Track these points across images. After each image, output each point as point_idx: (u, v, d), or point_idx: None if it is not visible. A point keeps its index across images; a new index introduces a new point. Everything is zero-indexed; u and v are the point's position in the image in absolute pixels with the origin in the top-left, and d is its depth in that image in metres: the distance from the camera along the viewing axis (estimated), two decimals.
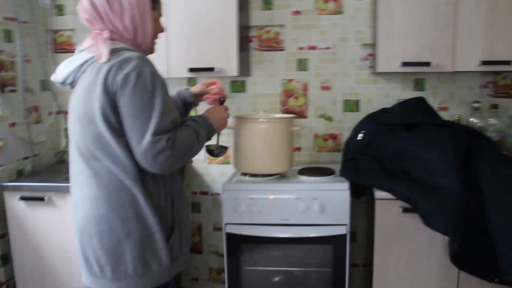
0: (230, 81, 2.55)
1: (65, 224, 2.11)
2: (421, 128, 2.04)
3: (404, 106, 2.22)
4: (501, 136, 2.22)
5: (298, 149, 2.55)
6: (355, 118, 2.39)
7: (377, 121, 2.19)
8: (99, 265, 1.33)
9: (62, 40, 2.66)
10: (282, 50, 2.50)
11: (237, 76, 2.25)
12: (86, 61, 1.35)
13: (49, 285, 2.20)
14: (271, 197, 2.01)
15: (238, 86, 2.55)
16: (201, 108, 2.08)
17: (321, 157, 2.54)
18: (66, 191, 2.06)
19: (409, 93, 2.40)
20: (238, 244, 2.06)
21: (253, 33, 2.51)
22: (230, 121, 1.74)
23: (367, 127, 2.21)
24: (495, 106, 2.26)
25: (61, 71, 1.40)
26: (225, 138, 2.28)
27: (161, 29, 1.48)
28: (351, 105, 2.48)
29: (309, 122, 2.52)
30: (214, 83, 1.72)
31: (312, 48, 2.47)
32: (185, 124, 1.40)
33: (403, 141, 2.02)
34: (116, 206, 1.30)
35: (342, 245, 1.99)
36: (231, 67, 2.19)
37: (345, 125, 2.49)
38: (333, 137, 2.52)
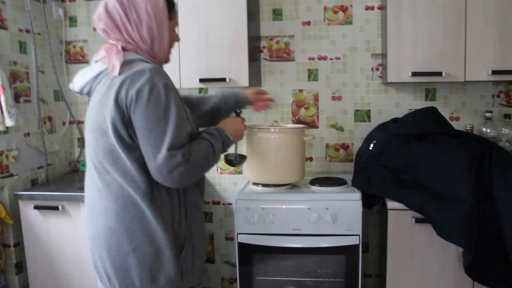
0: None
1: (79, 233, 2.13)
2: (433, 138, 2.03)
3: (416, 116, 2.22)
4: None
5: (310, 159, 2.55)
6: (366, 128, 2.40)
7: (388, 131, 2.19)
8: (108, 276, 1.34)
9: (75, 51, 2.70)
10: (292, 60, 2.51)
11: (248, 86, 2.26)
12: (101, 72, 1.34)
13: None
14: (283, 207, 2.01)
15: None
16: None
17: (332, 167, 2.54)
18: (79, 200, 2.07)
19: (420, 103, 2.40)
20: (250, 254, 2.06)
21: (263, 43, 2.53)
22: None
23: (379, 137, 2.22)
24: (507, 116, 2.25)
25: (78, 81, 1.40)
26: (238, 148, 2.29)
27: (176, 39, 1.45)
28: (362, 115, 2.49)
29: (320, 132, 2.53)
30: (264, 93, 1.83)
31: (323, 58, 2.49)
32: (201, 137, 1.37)
33: (415, 151, 2.02)
34: (125, 220, 1.29)
35: (355, 255, 1.98)
36: (242, 78, 2.21)
37: (356, 135, 2.49)
38: (345, 147, 2.52)
